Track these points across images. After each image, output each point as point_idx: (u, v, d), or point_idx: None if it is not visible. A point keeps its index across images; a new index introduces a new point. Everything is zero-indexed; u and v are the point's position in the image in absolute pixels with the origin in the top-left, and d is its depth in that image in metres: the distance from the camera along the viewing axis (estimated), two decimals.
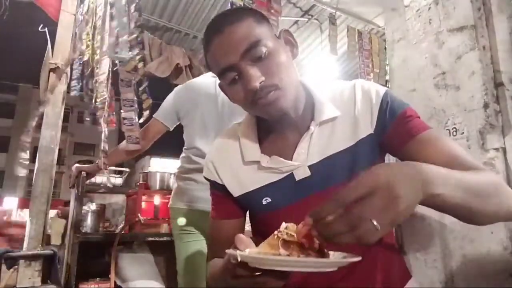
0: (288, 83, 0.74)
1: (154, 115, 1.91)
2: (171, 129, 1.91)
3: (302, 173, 0.79)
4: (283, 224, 0.56)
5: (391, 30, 1.59)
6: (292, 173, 0.80)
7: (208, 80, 1.85)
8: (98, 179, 2.79)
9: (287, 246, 0.52)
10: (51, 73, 1.84)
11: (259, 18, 0.76)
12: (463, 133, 1.25)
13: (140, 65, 2.09)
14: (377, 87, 0.81)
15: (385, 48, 2.29)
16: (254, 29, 0.73)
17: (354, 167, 0.78)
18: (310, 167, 0.78)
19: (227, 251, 0.56)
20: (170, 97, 1.90)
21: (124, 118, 2.05)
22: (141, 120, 2.09)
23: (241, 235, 0.58)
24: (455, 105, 1.29)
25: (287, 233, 0.53)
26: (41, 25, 2.15)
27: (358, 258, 0.52)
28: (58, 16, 1.96)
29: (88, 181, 2.24)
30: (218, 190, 0.89)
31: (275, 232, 0.55)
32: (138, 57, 2.06)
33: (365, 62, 3.81)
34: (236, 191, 0.86)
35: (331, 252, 0.56)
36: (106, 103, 2.10)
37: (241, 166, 0.85)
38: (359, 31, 3.85)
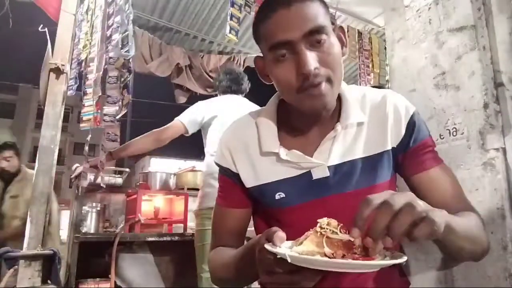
0: (338, 78, 0.72)
1: (179, 118, 2.08)
2: (189, 134, 2.10)
3: (320, 173, 0.77)
4: (324, 219, 0.54)
5: (391, 30, 1.59)
6: (309, 171, 0.77)
7: (232, 105, 2.07)
8: (98, 179, 2.79)
9: (331, 243, 0.52)
10: (51, 73, 1.84)
11: (326, 5, 0.74)
12: (463, 133, 1.25)
13: (126, 62, 2.12)
14: (407, 104, 0.81)
15: (385, 48, 2.29)
16: (322, 14, 0.71)
17: (373, 176, 0.77)
18: (329, 168, 0.76)
19: (268, 248, 0.53)
20: (197, 109, 2.10)
21: (105, 114, 2.07)
22: (118, 116, 2.12)
23: (275, 228, 0.56)
24: (455, 105, 1.29)
25: (330, 230, 0.53)
26: (41, 25, 2.15)
27: (405, 259, 0.53)
28: (58, 16, 1.95)
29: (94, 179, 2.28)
30: (230, 177, 0.86)
31: (317, 229, 0.53)
32: (129, 54, 2.08)
33: (365, 62, 3.81)
34: (250, 182, 0.83)
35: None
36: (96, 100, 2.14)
37: (258, 156, 0.82)
38: (359, 31, 3.85)
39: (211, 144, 2.05)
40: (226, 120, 1.94)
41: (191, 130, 2.09)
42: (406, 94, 1.46)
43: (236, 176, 0.85)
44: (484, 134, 1.19)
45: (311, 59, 0.68)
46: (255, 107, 2.02)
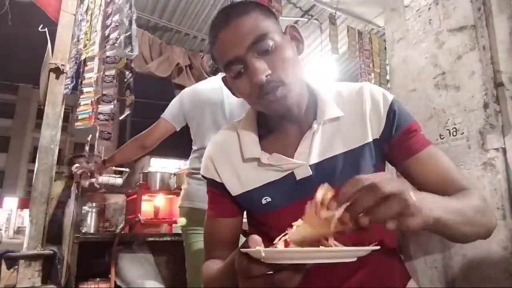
0: (294, 79, 0.73)
1: (162, 115, 1.92)
2: (178, 129, 1.93)
3: (303, 172, 0.77)
4: (318, 194, 0.53)
5: (391, 30, 1.59)
6: (292, 172, 0.78)
7: (215, 86, 1.87)
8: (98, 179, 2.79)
9: (325, 222, 0.51)
10: (51, 73, 1.84)
11: (266, 12, 0.76)
12: (463, 133, 1.25)
13: (128, 62, 2.12)
14: (385, 93, 0.81)
15: (385, 48, 2.29)
16: (261, 23, 0.73)
17: (356, 169, 0.76)
18: (311, 166, 0.77)
19: (242, 250, 0.53)
20: (176, 99, 1.92)
21: (100, 113, 2.07)
22: (121, 117, 2.10)
23: (253, 235, 0.55)
24: (455, 105, 1.29)
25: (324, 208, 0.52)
26: (41, 25, 2.15)
27: (378, 247, 0.53)
28: (58, 16, 1.96)
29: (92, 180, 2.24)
30: (216, 188, 0.87)
31: (312, 208, 0.53)
32: (132, 54, 2.08)
33: (365, 62, 3.82)
34: (235, 190, 0.84)
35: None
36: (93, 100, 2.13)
37: (241, 163, 0.83)
38: (359, 31, 3.86)
39: (194, 140, 1.90)
40: (206, 108, 1.80)
41: (178, 125, 1.91)
42: (406, 94, 1.46)
43: (222, 186, 0.85)
44: (484, 134, 1.19)
45: (260, 68, 0.70)
46: None
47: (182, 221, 1.79)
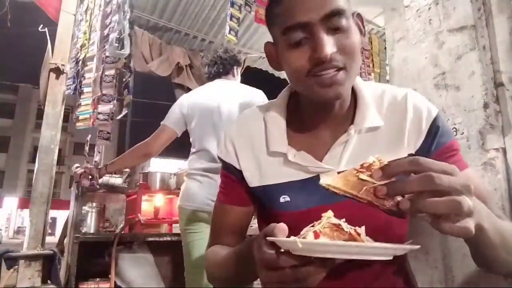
0: (354, 68, 0.67)
1: (163, 122, 1.95)
2: (180, 134, 1.97)
3: None
4: (370, 158, 0.50)
5: (391, 30, 1.59)
6: (317, 176, 0.72)
7: (212, 91, 1.93)
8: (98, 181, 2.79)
9: (360, 184, 0.49)
10: (51, 73, 1.84)
11: None
12: (463, 133, 1.25)
13: (127, 62, 2.14)
14: (429, 106, 0.75)
15: (385, 48, 2.28)
16: None
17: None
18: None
19: (270, 239, 0.49)
20: (176, 105, 1.97)
21: (100, 113, 2.08)
22: (119, 117, 2.11)
23: (274, 224, 0.52)
24: (455, 105, 1.29)
25: (367, 173, 0.49)
26: (41, 25, 2.15)
27: (418, 246, 0.50)
28: (58, 16, 1.96)
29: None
30: (233, 174, 0.82)
31: (356, 167, 0.50)
32: (124, 53, 2.09)
33: (365, 62, 3.82)
34: (253, 181, 0.79)
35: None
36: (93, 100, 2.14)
37: (264, 155, 0.78)
38: None
39: (192, 143, 1.92)
40: (204, 112, 1.85)
41: (179, 130, 1.94)
42: None
43: (239, 173, 0.81)
44: (484, 134, 1.19)
45: (329, 43, 0.63)
46: (240, 90, 1.92)
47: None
